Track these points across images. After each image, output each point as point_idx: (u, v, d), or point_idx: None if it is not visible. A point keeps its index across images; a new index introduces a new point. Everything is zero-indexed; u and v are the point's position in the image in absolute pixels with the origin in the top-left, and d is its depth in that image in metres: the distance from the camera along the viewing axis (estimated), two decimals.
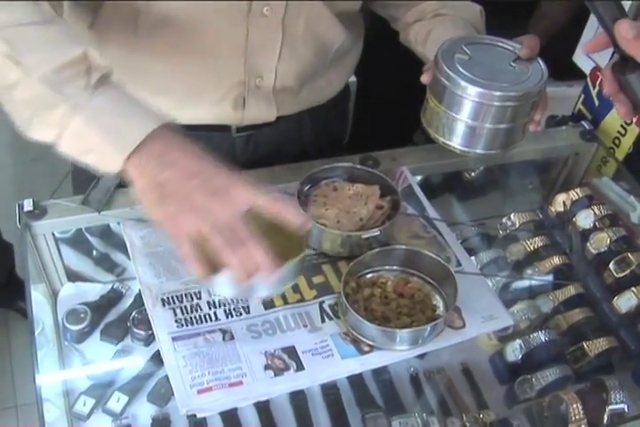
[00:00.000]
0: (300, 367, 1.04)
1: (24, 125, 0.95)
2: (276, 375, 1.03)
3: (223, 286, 0.95)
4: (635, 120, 1.39)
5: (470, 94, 1.05)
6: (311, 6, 1.18)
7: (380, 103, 1.91)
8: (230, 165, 1.30)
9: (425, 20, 1.29)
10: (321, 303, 1.13)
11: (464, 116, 1.09)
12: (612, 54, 0.93)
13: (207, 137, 1.28)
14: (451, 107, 1.09)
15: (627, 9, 1.33)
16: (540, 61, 1.10)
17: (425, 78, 1.14)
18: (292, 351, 1.06)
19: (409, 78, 1.25)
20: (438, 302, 1.13)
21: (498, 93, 1.04)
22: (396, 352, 1.07)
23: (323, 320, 1.10)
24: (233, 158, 1.33)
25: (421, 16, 1.30)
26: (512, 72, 1.08)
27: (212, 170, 0.94)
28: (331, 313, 1.11)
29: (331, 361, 1.06)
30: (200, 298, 1.12)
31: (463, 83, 1.05)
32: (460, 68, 1.06)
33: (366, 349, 1.07)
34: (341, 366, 1.05)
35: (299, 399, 1.15)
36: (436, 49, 1.10)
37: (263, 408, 1.14)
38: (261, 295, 1.04)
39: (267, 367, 1.04)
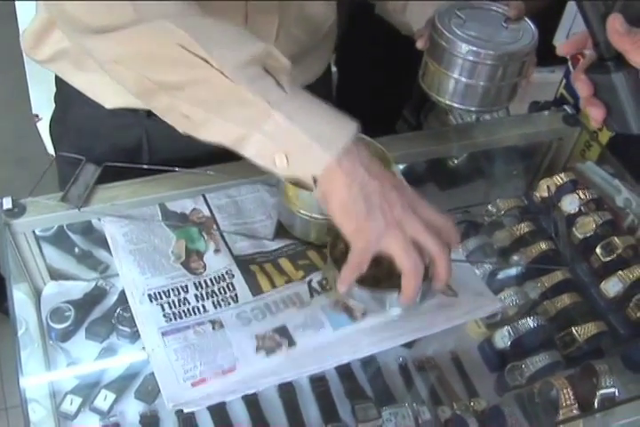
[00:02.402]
0: (291, 343, 1.05)
1: (192, 127, 0.94)
2: (267, 355, 1.03)
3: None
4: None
5: (469, 55, 1.13)
6: None
7: (361, 94, 1.91)
8: (223, 148, 1.30)
9: None
10: (309, 282, 1.13)
11: (463, 76, 1.16)
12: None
13: None
14: (451, 68, 1.17)
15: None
16: (529, 21, 1.18)
17: (420, 43, 1.19)
18: (283, 330, 1.06)
19: (390, 69, 1.25)
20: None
21: (494, 52, 1.13)
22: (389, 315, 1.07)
23: (312, 296, 1.10)
24: None
25: None
26: (505, 33, 1.16)
27: (401, 183, 0.96)
28: (319, 289, 1.11)
29: (322, 333, 1.06)
30: (187, 291, 1.11)
31: (460, 43, 1.12)
32: (457, 31, 1.13)
33: (358, 315, 1.07)
34: (334, 337, 1.06)
35: (287, 392, 1.14)
36: (417, 15, 1.20)
37: (252, 402, 1.13)
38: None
39: (258, 349, 1.04)
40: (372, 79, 1.51)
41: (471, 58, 1.13)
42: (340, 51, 2.22)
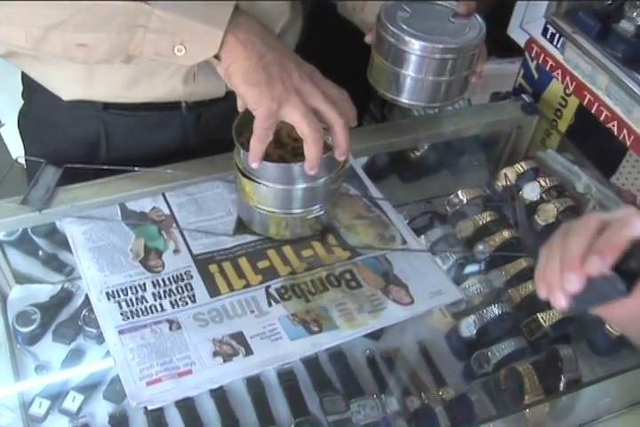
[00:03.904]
0: (248, 352, 1.04)
1: (92, 52, 0.98)
2: (225, 361, 1.03)
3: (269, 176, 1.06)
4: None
5: (415, 48, 1.12)
6: None
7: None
8: (182, 144, 1.30)
9: None
10: (267, 288, 1.12)
11: (409, 71, 1.15)
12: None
13: (158, 117, 1.29)
14: (396, 62, 1.16)
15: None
16: (478, 17, 1.17)
17: (369, 38, 1.20)
18: (240, 337, 1.06)
19: (355, 66, 1.26)
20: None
21: (440, 46, 1.11)
22: (344, 331, 1.08)
23: (270, 304, 1.10)
24: (185, 137, 1.34)
25: None
26: (452, 27, 1.15)
27: (297, 56, 1.03)
28: (277, 297, 1.12)
29: (280, 344, 1.06)
30: (145, 290, 1.11)
31: (407, 38, 1.11)
32: (403, 25, 1.12)
33: (315, 329, 1.07)
34: (291, 348, 1.05)
35: (255, 387, 1.14)
36: (375, 12, 1.16)
37: (220, 398, 1.13)
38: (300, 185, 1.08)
39: (215, 354, 1.04)
40: (337, 76, 1.51)
41: (415, 52, 1.12)
42: (303, 49, 2.23)
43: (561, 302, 0.73)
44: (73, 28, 0.96)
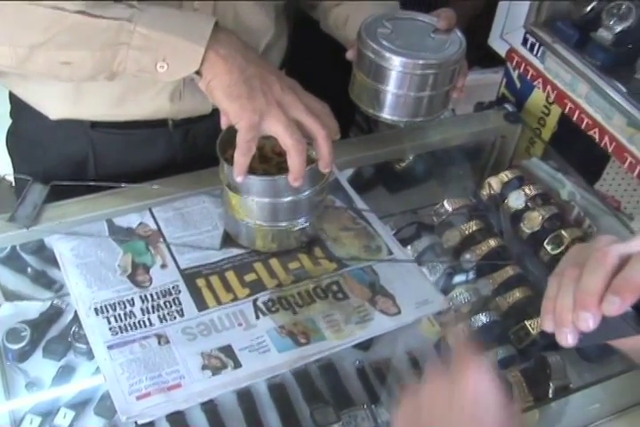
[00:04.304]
0: (237, 365, 1.05)
1: (76, 71, 1.00)
2: (213, 375, 1.04)
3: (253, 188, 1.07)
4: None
5: (395, 64, 1.12)
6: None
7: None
8: (170, 160, 1.31)
9: (343, 4, 1.31)
10: (254, 301, 1.13)
11: (390, 87, 1.16)
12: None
13: (145, 134, 1.31)
14: (377, 78, 1.16)
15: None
16: (458, 32, 1.18)
17: (350, 54, 1.21)
18: (228, 350, 1.07)
19: (340, 79, 1.26)
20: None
21: (420, 62, 1.12)
22: (332, 342, 1.09)
23: (257, 317, 1.11)
24: (172, 154, 1.36)
25: (339, 0, 1.32)
26: (432, 42, 1.16)
27: (278, 70, 1.06)
28: (265, 309, 1.12)
29: (268, 356, 1.07)
30: (133, 305, 1.12)
31: (387, 54, 1.12)
32: (383, 42, 1.13)
33: (303, 340, 1.08)
34: (279, 360, 1.06)
35: (246, 400, 1.14)
36: (357, 28, 1.17)
37: (211, 411, 1.13)
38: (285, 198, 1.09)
39: (204, 367, 1.04)
40: (322, 89, 1.52)
41: (395, 68, 1.12)
42: (289, 63, 2.25)
43: (568, 340, 0.69)
44: (57, 47, 0.97)
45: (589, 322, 0.67)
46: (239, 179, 1.04)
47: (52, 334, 1.24)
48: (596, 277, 0.68)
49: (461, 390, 0.74)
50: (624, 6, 1.29)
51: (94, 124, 1.27)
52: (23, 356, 1.21)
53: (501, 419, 0.74)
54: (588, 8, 1.35)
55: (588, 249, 0.71)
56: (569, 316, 0.68)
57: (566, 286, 0.70)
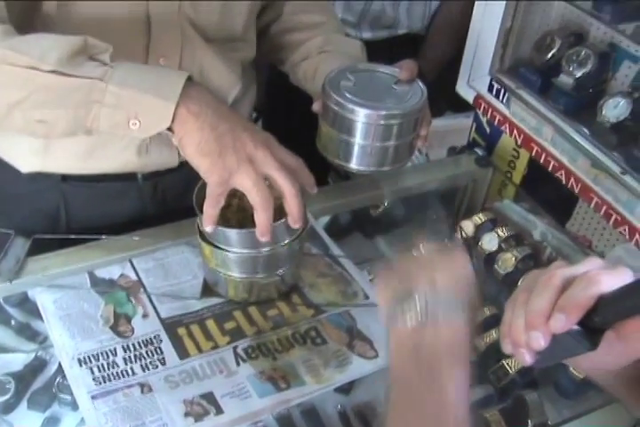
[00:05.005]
0: (219, 411, 1.06)
1: (51, 128, 1.01)
2: (196, 421, 1.05)
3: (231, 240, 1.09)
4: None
5: (358, 116, 1.14)
6: (204, 56, 1.23)
7: (290, 146, 1.95)
8: (141, 212, 1.33)
9: (311, 57, 1.35)
10: (235, 348, 1.15)
11: (355, 137, 1.17)
12: None
13: (116, 187, 1.33)
14: (342, 129, 1.18)
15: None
16: (420, 82, 1.20)
17: (316, 106, 1.23)
18: (210, 397, 1.08)
19: (315, 126, 1.29)
20: None
21: (383, 113, 1.14)
22: (312, 386, 1.10)
23: (238, 364, 1.13)
24: (142, 206, 1.38)
25: (307, 54, 1.36)
26: (394, 93, 1.18)
27: (253, 125, 1.07)
28: (245, 356, 1.14)
29: (249, 402, 1.08)
30: (116, 355, 1.13)
31: (351, 106, 1.14)
32: (347, 94, 1.15)
33: (283, 385, 1.10)
34: (260, 405, 1.07)
35: None
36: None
37: None
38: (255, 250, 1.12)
39: (187, 415, 1.05)
40: (301, 136, 1.55)
41: (359, 119, 1.14)
42: (265, 112, 2.28)
43: (526, 359, 0.73)
44: (32, 106, 0.99)
45: (540, 340, 0.71)
46: (208, 229, 1.06)
47: (37, 385, 1.24)
48: (542, 298, 0.72)
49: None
50: (583, 53, 1.33)
51: (65, 178, 1.30)
52: (8, 408, 1.22)
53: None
54: (549, 55, 1.39)
55: (539, 275, 0.75)
56: (522, 336, 0.72)
57: (518, 310, 0.74)
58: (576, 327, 0.70)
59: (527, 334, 0.72)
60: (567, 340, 0.71)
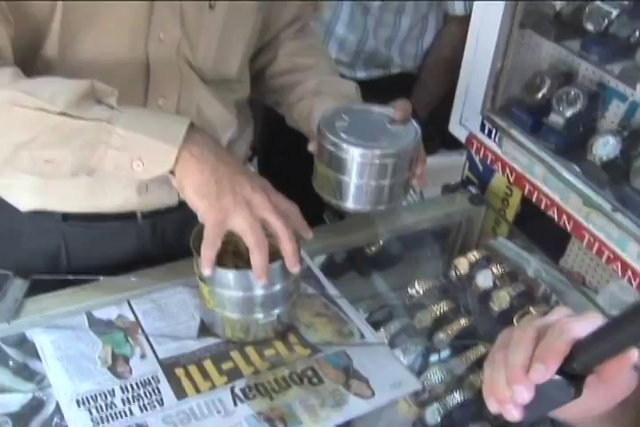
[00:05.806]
0: None
1: (58, 168, 1.04)
2: None
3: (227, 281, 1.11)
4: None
5: (353, 155, 1.16)
6: (201, 96, 1.26)
7: (285, 191, 1.96)
8: (140, 251, 1.34)
9: (306, 99, 1.36)
10: (232, 388, 1.15)
11: (351, 177, 1.19)
12: None
13: (115, 226, 1.34)
14: (337, 169, 1.19)
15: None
16: (414, 122, 1.21)
17: (311, 147, 1.25)
18: None
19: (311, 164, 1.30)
20: None
21: (378, 152, 1.15)
22: (309, 426, 1.10)
23: (235, 404, 1.13)
24: (142, 245, 1.39)
25: (302, 96, 1.37)
26: (389, 133, 1.19)
27: (250, 170, 1.12)
28: (242, 396, 1.14)
29: None
30: (114, 395, 1.13)
31: (345, 146, 1.15)
32: (342, 134, 1.16)
33: (280, 426, 1.10)
34: None
35: None
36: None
37: None
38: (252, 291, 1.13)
39: None
40: (293, 179, 1.57)
41: (354, 159, 1.16)
42: (261, 151, 2.30)
43: (513, 415, 0.73)
44: (40, 146, 1.02)
45: (524, 394, 0.71)
46: (205, 271, 1.07)
47: (35, 426, 1.24)
48: (519, 352, 0.73)
49: None
50: (572, 92, 1.36)
51: (65, 217, 1.31)
52: None
53: None
54: (540, 94, 1.42)
55: (512, 331, 0.77)
56: (506, 393, 0.73)
57: (498, 367, 0.75)
58: (558, 377, 0.71)
59: (511, 389, 0.72)
60: (551, 390, 0.72)
